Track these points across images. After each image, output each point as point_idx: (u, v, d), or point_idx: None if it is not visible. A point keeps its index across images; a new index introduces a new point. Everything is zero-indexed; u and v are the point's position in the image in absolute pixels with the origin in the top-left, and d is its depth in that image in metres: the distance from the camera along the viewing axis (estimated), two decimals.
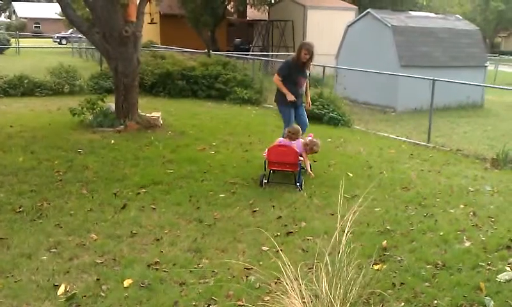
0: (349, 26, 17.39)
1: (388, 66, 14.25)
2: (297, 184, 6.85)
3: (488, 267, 4.67)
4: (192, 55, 18.91)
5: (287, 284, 3.16)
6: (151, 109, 11.71)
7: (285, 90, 7.80)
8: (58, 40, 50.05)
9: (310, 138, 7.35)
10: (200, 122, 11.14)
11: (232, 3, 30.83)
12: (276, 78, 7.94)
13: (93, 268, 4.39)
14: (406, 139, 10.56)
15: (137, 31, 10.12)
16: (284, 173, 7.10)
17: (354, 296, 3.13)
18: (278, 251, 3.66)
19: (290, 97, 7.77)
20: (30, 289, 4.01)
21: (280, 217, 5.78)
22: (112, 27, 9.74)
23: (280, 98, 7.98)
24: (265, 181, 6.89)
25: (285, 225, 5.54)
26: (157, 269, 4.41)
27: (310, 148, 7.20)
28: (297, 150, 6.95)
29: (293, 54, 8.21)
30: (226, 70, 15.69)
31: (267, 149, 7.06)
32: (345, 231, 3.27)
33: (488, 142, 10.77)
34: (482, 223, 5.80)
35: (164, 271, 4.38)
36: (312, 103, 11.87)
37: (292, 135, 7.22)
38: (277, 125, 9.80)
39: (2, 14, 77.66)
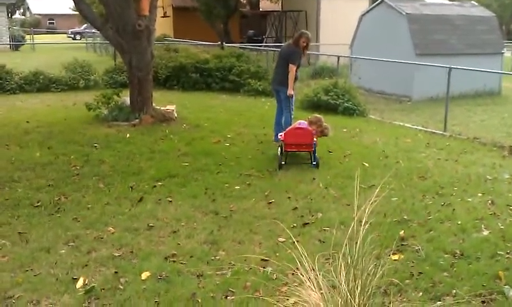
0: (363, 15, 17.26)
1: (403, 54, 14.11)
2: (314, 163, 7.25)
3: (507, 256, 4.62)
4: (206, 47, 18.90)
5: (301, 275, 3.15)
6: (165, 102, 11.74)
7: (292, 83, 8.21)
8: (72, 36, 50.37)
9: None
10: (214, 115, 11.15)
11: None
12: (294, 70, 8.20)
13: (111, 261, 4.42)
14: (422, 128, 10.47)
15: (150, 24, 10.13)
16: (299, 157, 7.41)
17: (373, 286, 3.11)
18: (294, 242, 3.65)
19: (291, 92, 8.23)
20: (49, 282, 4.05)
21: (296, 208, 5.76)
22: (126, 21, 9.77)
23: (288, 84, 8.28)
24: (283, 162, 7.24)
25: (301, 216, 5.53)
26: (174, 261, 4.43)
27: (320, 131, 7.58)
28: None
29: None
30: (240, 62, 15.66)
31: (283, 133, 7.42)
32: (363, 222, 3.25)
33: (506, 129, 10.64)
34: (500, 211, 5.74)
35: (182, 263, 4.40)
36: (327, 93, 11.96)
37: (312, 122, 7.58)
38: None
39: (17, 11, 78.32)
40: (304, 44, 8.32)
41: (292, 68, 8.15)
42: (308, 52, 8.92)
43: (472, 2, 19.11)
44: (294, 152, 7.53)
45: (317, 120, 7.66)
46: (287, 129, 7.60)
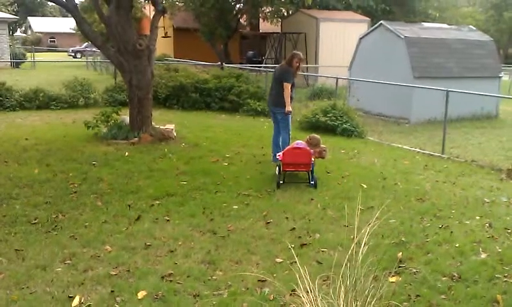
0: (361, 38, 17.39)
1: (401, 77, 14.20)
2: (312, 183, 7.30)
3: (505, 279, 4.61)
4: (206, 67, 19.01)
5: (302, 296, 3.14)
6: (165, 121, 11.78)
7: (289, 101, 8.30)
8: (73, 54, 50.66)
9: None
10: (213, 134, 11.18)
11: (244, 16, 31.02)
12: (289, 88, 8.29)
13: (107, 280, 4.40)
14: (420, 150, 10.49)
15: (151, 44, 10.22)
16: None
17: None
18: (292, 263, 3.64)
19: (289, 109, 8.30)
20: (45, 301, 4.03)
21: (294, 228, 5.75)
22: (127, 40, 9.84)
23: (285, 104, 8.34)
24: (281, 182, 7.30)
25: (299, 237, 5.52)
26: (171, 281, 4.41)
27: (318, 152, 7.70)
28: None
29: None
30: (239, 82, 15.74)
31: (282, 153, 7.48)
32: (361, 243, 3.25)
33: (503, 153, 10.66)
34: (498, 235, 5.73)
35: (178, 283, 4.37)
36: (325, 115, 12.02)
37: (310, 142, 7.71)
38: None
39: (18, 29, 78.80)
40: (297, 64, 8.46)
41: (287, 85, 8.25)
42: (300, 72, 9.07)
43: (470, 26, 19.28)
44: (292, 172, 7.56)
45: (317, 142, 7.77)
46: (285, 149, 7.65)
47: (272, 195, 6.96)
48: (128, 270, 4.59)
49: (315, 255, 5.05)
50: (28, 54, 37.61)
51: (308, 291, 3.18)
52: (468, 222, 6.13)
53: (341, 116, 12.00)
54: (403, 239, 5.48)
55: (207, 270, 4.66)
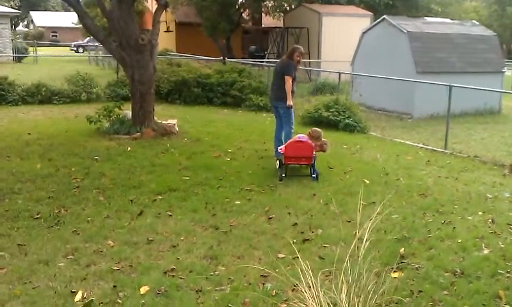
0: (364, 32, 17.34)
1: (404, 72, 14.16)
2: (313, 176, 7.38)
3: (508, 275, 4.61)
4: (208, 62, 18.98)
5: (304, 291, 3.14)
6: (167, 116, 11.78)
7: (290, 95, 8.29)
8: (75, 49, 50.58)
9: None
10: (215, 129, 11.17)
11: (247, 10, 30.94)
12: (290, 81, 8.28)
13: (109, 275, 4.40)
14: (422, 146, 10.47)
15: (153, 39, 10.20)
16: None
17: (373, 304, 3.09)
18: (294, 258, 3.63)
19: (291, 103, 8.28)
20: (47, 296, 4.04)
21: (296, 224, 5.75)
22: (129, 35, 9.83)
23: (286, 98, 8.33)
24: (283, 175, 7.40)
25: (302, 232, 5.52)
26: (173, 276, 4.41)
27: (319, 145, 7.72)
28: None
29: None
30: (242, 77, 15.72)
31: (284, 146, 7.56)
32: (364, 239, 3.24)
33: (506, 148, 10.64)
34: (500, 230, 5.72)
35: (181, 278, 4.38)
36: (328, 110, 11.99)
37: (312, 136, 7.72)
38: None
39: (20, 23, 78.78)
40: (298, 58, 8.48)
41: (288, 79, 8.24)
42: (301, 66, 9.06)
43: (473, 21, 19.21)
44: (294, 165, 7.64)
45: (318, 135, 7.79)
46: (288, 142, 7.69)
47: (275, 190, 6.96)
48: (131, 265, 4.60)
49: (317, 250, 5.05)
50: (30, 49, 37.57)
51: (310, 287, 3.18)
52: (470, 217, 6.12)
53: (343, 111, 11.98)
54: (405, 235, 5.48)
55: (209, 265, 4.67)
